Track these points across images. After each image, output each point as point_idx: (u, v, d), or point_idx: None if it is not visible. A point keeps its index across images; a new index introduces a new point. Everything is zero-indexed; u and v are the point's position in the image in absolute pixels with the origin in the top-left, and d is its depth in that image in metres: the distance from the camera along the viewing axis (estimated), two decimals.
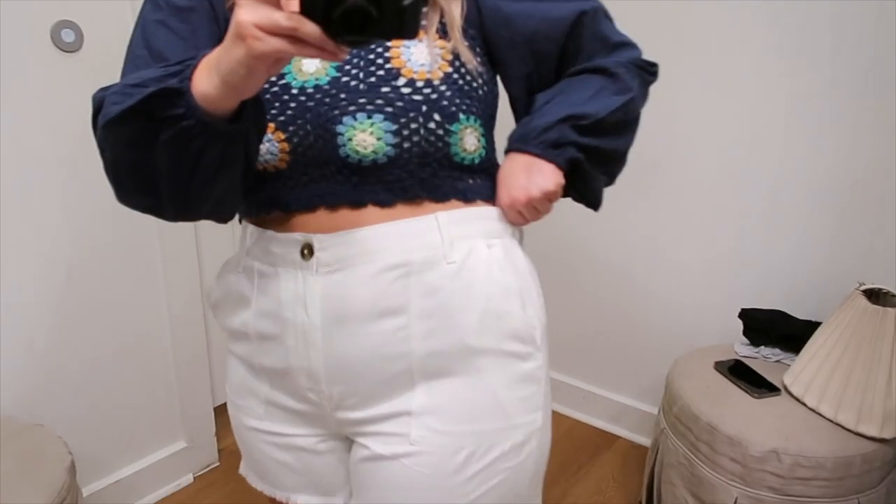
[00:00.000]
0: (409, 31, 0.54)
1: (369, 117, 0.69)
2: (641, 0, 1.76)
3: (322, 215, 0.72)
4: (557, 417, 2.21)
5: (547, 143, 0.74)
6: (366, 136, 0.69)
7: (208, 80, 0.58)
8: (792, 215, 1.70)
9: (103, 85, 0.67)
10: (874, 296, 1.41)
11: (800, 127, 1.64)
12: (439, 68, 0.71)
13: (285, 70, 0.71)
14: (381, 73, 0.70)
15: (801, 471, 1.31)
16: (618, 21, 0.82)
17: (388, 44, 0.71)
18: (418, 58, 0.70)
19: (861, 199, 1.60)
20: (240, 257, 0.80)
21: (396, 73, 0.70)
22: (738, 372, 1.56)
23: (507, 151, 0.78)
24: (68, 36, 1.40)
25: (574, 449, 2.07)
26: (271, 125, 0.71)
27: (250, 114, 0.64)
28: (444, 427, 0.72)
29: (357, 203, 0.71)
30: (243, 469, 0.92)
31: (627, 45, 0.81)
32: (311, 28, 0.52)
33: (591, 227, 1.99)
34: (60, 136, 1.44)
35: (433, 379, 0.72)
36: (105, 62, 1.45)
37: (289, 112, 0.70)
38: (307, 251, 0.72)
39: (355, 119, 0.69)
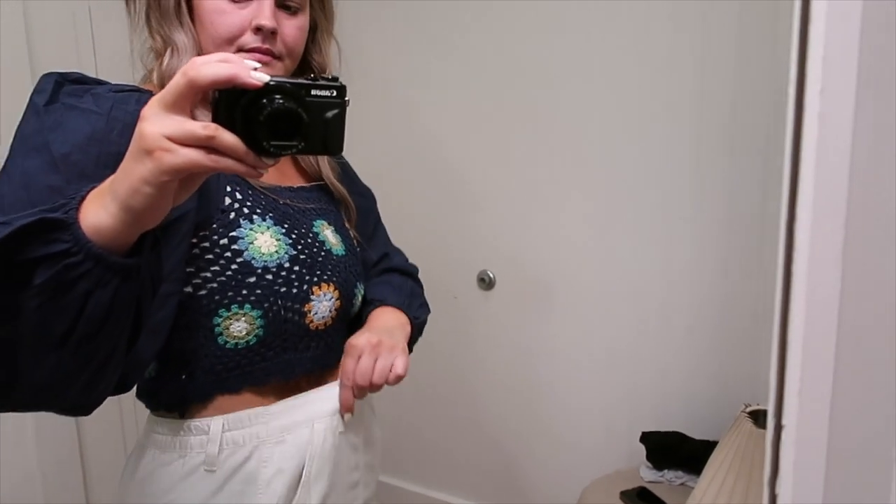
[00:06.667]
0: (333, 145, 0.54)
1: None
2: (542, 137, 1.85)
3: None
4: None
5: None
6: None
7: (102, 208, 0.51)
8: (681, 337, 1.73)
9: None
10: (762, 416, 1.43)
11: (680, 260, 1.69)
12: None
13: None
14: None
15: None
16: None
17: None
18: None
19: (740, 320, 1.66)
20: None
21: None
22: (644, 499, 1.53)
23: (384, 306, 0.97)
24: None
25: None
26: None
27: (149, 248, 0.56)
28: None
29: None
30: None
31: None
32: (229, 137, 0.49)
33: (493, 357, 1.98)
34: None
35: None
36: None
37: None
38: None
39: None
